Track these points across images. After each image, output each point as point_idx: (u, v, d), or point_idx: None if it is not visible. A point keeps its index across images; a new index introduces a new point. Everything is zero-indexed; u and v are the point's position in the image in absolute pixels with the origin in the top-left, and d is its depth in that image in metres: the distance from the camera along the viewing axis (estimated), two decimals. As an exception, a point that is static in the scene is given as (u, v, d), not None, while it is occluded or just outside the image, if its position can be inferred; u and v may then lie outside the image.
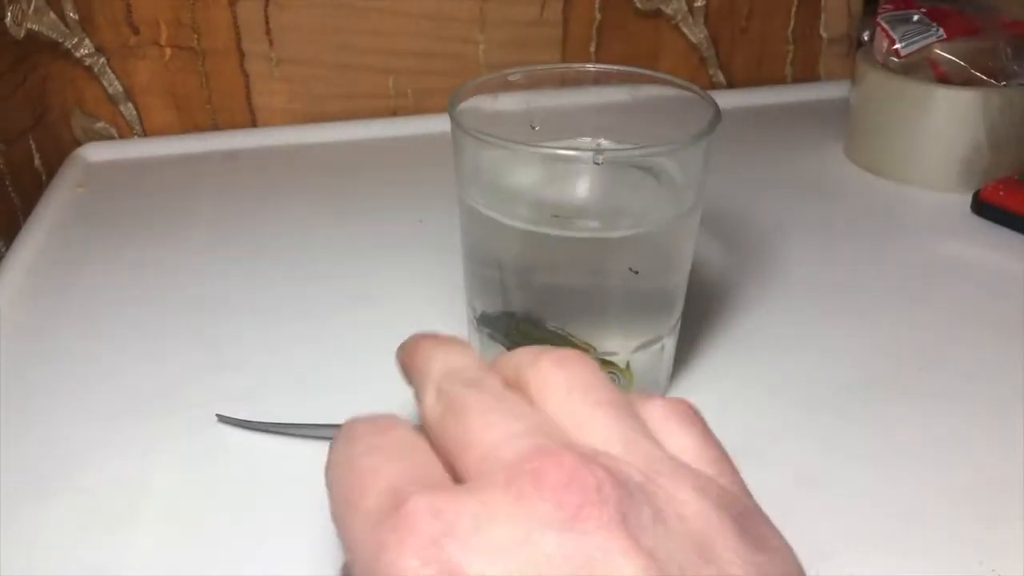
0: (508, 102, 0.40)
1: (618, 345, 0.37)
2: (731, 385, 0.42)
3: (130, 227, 0.57)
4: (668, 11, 0.74)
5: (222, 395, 0.41)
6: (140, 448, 0.39)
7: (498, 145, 0.34)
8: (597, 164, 0.33)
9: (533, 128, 0.41)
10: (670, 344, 0.40)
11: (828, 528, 0.34)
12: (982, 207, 0.56)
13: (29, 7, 0.63)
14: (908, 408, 0.40)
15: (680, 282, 0.38)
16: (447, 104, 0.36)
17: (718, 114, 0.35)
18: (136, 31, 0.67)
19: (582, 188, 0.36)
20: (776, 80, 0.79)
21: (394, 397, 0.41)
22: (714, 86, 0.78)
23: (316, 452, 0.36)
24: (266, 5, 0.67)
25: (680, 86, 0.38)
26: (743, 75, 0.78)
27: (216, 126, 0.71)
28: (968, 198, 0.57)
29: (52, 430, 0.40)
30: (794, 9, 0.77)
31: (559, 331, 0.37)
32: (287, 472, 0.37)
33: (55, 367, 0.44)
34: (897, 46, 0.59)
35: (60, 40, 0.65)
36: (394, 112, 0.73)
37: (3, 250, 0.56)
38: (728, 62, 0.78)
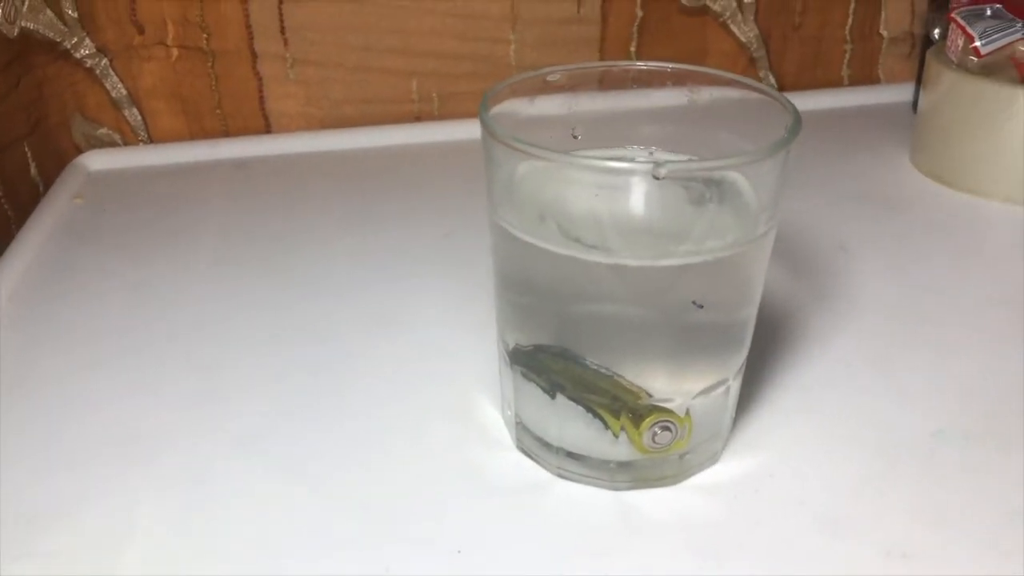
0: (546, 106, 0.36)
1: (676, 390, 0.32)
2: (802, 432, 0.37)
3: (128, 243, 0.53)
4: (715, 7, 0.69)
5: (221, 438, 0.37)
6: (121, 502, 0.34)
7: (538, 156, 0.29)
8: (657, 179, 0.27)
9: (575, 136, 0.37)
10: (735, 387, 0.34)
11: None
12: (1075, 224, 0.51)
13: (23, 3, 0.59)
14: (1008, 460, 0.35)
15: (751, 315, 0.33)
16: (475, 108, 0.32)
17: (798, 120, 0.30)
18: (141, 30, 0.63)
19: (637, 207, 0.30)
20: (832, 83, 0.75)
21: (418, 441, 0.37)
22: (763, 89, 0.73)
23: (335, 506, 0.32)
24: (280, 2, 0.64)
25: (748, 87, 0.33)
26: (796, 77, 0.74)
27: (227, 132, 0.68)
28: (1057, 214, 0.52)
29: (18, 480, 0.35)
30: (852, 5, 0.72)
31: (604, 371, 0.31)
32: (300, 525, 0.32)
33: (29, 403, 0.39)
34: (976, 44, 0.53)
35: (58, 40, 0.62)
36: (417, 117, 0.70)
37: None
38: (779, 63, 0.73)
